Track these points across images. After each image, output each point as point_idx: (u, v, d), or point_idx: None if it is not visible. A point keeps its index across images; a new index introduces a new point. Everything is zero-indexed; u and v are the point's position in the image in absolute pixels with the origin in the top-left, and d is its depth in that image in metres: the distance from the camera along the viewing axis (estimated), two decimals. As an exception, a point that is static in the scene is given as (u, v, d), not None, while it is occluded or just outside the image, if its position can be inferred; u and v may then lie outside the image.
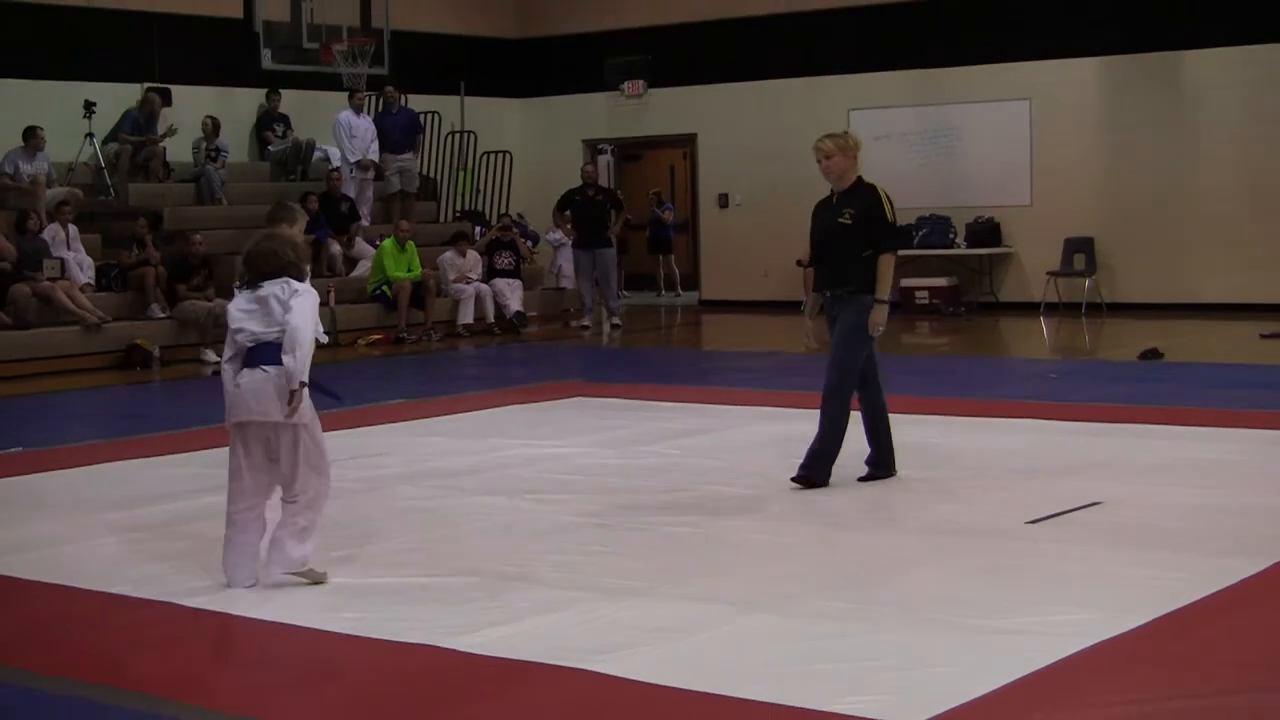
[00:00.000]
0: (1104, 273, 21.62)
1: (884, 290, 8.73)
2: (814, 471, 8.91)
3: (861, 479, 9.02)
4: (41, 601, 6.93)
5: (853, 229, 8.73)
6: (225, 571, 7.01)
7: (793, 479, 8.88)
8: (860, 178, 8.89)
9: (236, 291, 7.15)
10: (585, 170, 22.32)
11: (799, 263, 20.42)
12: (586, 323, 21.35)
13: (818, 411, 8.96)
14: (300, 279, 7.03)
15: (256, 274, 7.04)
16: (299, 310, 6.86)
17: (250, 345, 6.96)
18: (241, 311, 7.01)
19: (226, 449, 10.84)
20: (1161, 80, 21.29)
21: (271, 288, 6.95)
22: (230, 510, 7.05)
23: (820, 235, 8.96)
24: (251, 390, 6.90)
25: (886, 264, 8.73)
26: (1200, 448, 10.03)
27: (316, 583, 6.94)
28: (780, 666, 5.55)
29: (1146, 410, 11.73)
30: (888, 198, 8.82)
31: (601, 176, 25.83)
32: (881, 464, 9.10)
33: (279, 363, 6.82)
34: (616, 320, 21.20)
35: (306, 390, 6.85)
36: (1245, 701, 5.10)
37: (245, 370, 6.95)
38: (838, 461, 9.01)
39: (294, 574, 6.95)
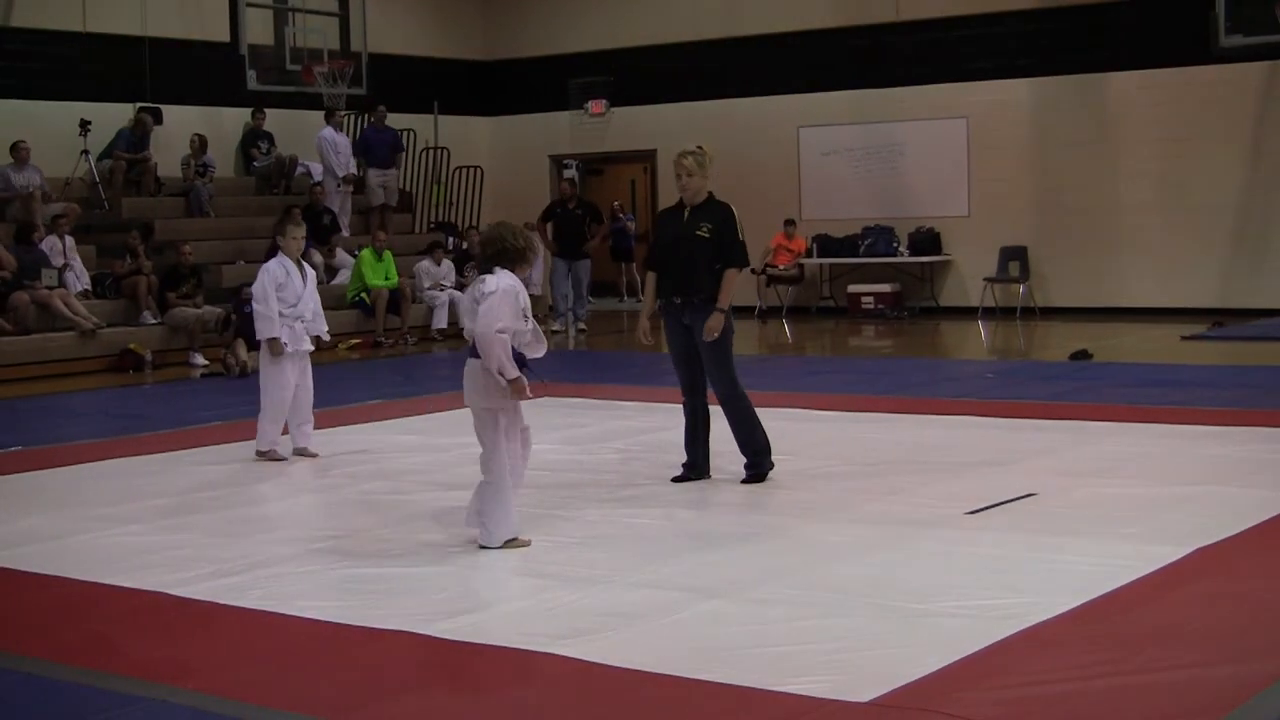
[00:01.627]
0: (1037, 279, 21.69)
1: (726, 301, 8.71)
2: (760, 467, 8.91)
3: (675, 479, 8.93)
4: (39, 592, 6.87)
5: (709, 242, 8.71)
6: None
7: (743, 480, 8.87)
8: (711, 194, 8.87)
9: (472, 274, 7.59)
10: (562, 186, 22.05)
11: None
12: (557, 327, 21.23)
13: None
14: (519, 263, 7.36)
15: (482, 258, 7.48)
16: (482, 314, 7.19)
17: (469, 339, 7.40)
18: (468, 306, 7.42)
19: (214, 447, 10.87)
20: (1087, 100, 21.39)
21: (474, 289, 7.35)
22: None
23: (671, 244, 8.85)
24: (466, 378, 7.40)
25: (732, 278, 8.72)
26: (1126, 442, 10.06)
27: (522, 545, 7.31)
28: (732, 650, 5.53)
29: (1077, 407, 11.75)
30: (738, 217, 8.83)
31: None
32: (696, 467, 9.00)
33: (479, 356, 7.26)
34: (582, 325, 21.11)
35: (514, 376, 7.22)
36: (1173, 678, 5.10)
37: (468, 359, 7.39)
38: (793, 459, 9.02)
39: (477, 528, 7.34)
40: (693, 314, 8.77)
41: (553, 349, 7.19)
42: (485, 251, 7.45)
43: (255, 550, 7.51)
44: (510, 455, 7.38)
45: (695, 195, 8.82)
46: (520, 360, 7.31)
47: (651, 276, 9.08)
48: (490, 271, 7.34)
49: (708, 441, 9.01)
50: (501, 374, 7.18)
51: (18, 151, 18.81)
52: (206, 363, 17.14)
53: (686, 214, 8.84)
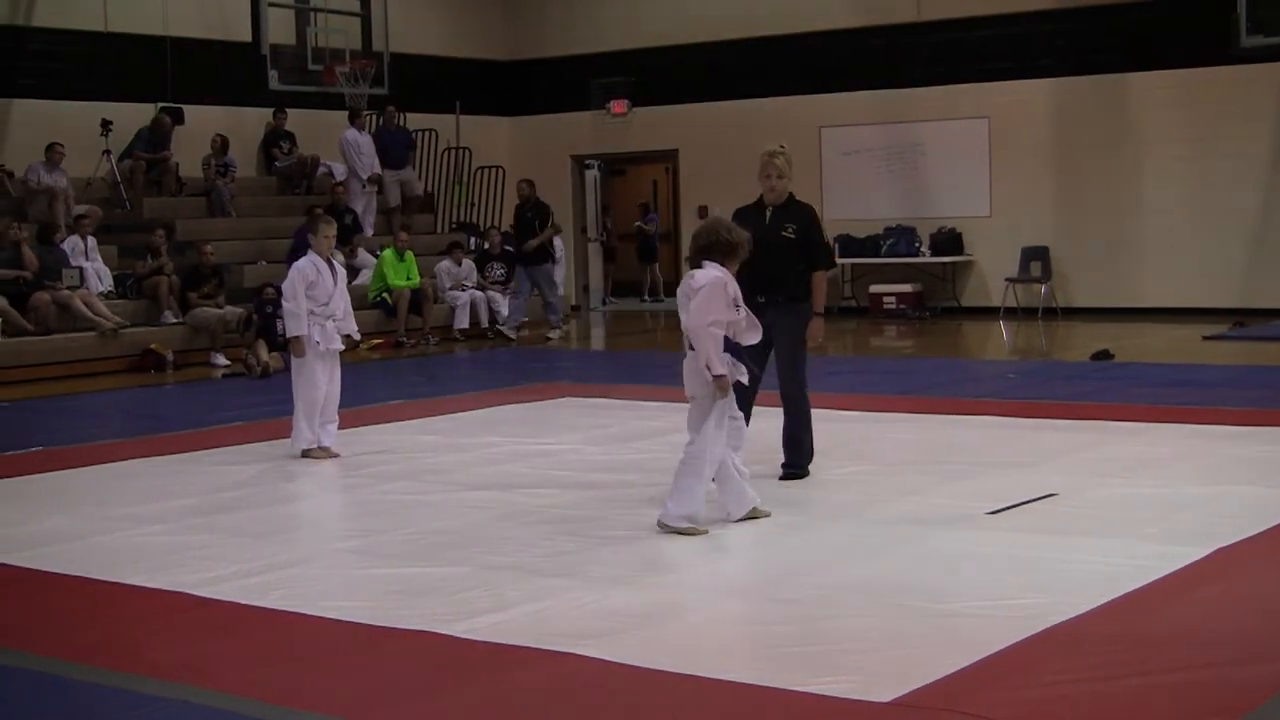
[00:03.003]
0: (1058, 279, 21.65)
1: (821, 304, 8.85)
2: (799, 466, 8.96)
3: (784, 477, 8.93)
4: (60, 592, 6.89)
5: (795, 243, 8.76)
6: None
7: (781, 478, 8.89)
8: (792, 194, 8.90)
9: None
10: (520, 188, 21.32)
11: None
12: (550, 334, 20.82)
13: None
14: (729, 257, 7.56)
15: (693, 250, 7.64)
16: (694, 309, 7.44)
17: (685, 332, 7.58)
18: (681, 301, 7.60)
19: (235, 447, 10.92)
20: (1109, 100, 21.35)
21: (685, 284, 7.56)
22: None
23: (755, 245, 8.84)
24: (685, 371, 7.59)
25: (822, 280, 8.84)
26: (1148, 442, 10.03)
27: (695, 534, 7.47)
28: (755, 649, 5.54)
29: (1098, 407, 11.72)
30: (820, 218, 8.96)
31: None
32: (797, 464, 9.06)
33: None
34: (551, 334, 20.51)
35: (727, 369, 7.43)
36: (1194, 677, 5.09)
37: (688, 352, 7.57)
38: (813, 458, 9.04)
39: (667, 526, 7.52)
40: (776, 313, 8.73)
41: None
42: (697, 244, 7.62)
43: (277, 550, 7.52)
44: (714, 443, 7.58)
45: (780, 196, 8.83)
46: (736, 350, 7.52)
47: None
48: (699, 266, 7.53)
49: (811, 437, 9.07)
50: (709, 368, 7.38)
51: (52, 153, 18.89)
52: (228, 363, 17.19)
53: (769, 214, 8.84)
